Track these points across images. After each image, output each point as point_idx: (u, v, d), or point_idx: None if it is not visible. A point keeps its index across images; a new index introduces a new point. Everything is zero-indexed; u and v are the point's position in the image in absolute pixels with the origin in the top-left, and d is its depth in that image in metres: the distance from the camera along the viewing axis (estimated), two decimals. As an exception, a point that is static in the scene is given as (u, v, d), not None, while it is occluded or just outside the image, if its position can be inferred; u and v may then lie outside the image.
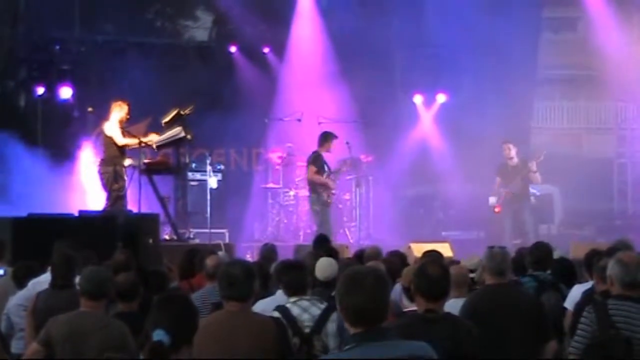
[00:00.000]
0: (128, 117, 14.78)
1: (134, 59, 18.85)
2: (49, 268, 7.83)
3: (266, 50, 20.42)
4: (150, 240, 12.66)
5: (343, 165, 16.65)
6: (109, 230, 12.35)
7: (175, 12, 22.55)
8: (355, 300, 4.26)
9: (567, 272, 8.72)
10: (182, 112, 15.19)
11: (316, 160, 15.92)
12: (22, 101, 19.63)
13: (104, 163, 14.70)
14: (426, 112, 20.67)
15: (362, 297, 4.25)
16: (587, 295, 7.47)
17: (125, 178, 14.63)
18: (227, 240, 15.73)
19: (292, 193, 17.89)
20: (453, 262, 9.10)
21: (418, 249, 12.34)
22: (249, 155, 20.40)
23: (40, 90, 18.83)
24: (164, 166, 15.14)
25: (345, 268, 5.20)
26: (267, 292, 7.55)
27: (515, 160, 17.22)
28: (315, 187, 15.92)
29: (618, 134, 25.35)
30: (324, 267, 7.66)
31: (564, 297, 8.11)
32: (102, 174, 14.65)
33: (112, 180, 14.48)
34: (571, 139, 28.61)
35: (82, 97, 18.82)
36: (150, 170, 14.82)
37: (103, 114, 14.98)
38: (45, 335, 6.31)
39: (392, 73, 20.55)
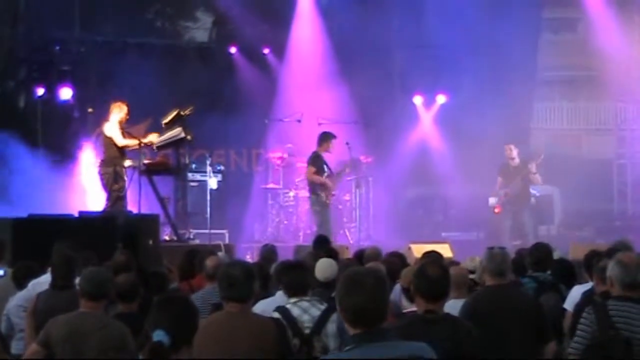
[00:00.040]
0: (127, 117, 14.80)
1: (134, 59, 18.81)
2: (49, 269, 7.83)
3: (266, 50, 20.40)
4: (150, 241, 12.65)
5: (345, 167, 16.61)
6: (109, 231, 12.34)
7: (175, 13, 22.54)
8: (355, 301, 4.26)
9: (567, 273, 8.73)
10: (182, 113, 15.19)
11: (315, 161, 15.90)
12: (22, 101, 19.56)
13: (104, 164, 14.71)
14: (426, 112, 20.66)
15: (362, 297, 4.26)
16: (587, 296, 7.47)
17: (125, 179, 14.64)
18: (227, 241, 15.69)
19: (292, 194, 17.87)
20: (453, 262, 9.09)
21: (418, 250, 12.33)
22: (249, 156, 20.39)
23: (40, 91, 18.78)
24: (163, 167, 15.14)
25: (345, 269, 5.21)
26: (267, 293, 7.55)
27: (517, 160, 17.25)
28: (314, 188, 15.91)
29: (618, 134, 25.31)
30: (323, 267, 7.67)
31: (563, 298, 8.11)
32: (102, 174, 14.66)
33: (112, 180, 14.49)
34: (571, 139, 28.66)
35: (82, 97, 18.83)
36: (150, 171, 14.82)
37: (103, 115, 15.00)
38: (45, 336, 6.30)
39: (392, 73, 20.56)
